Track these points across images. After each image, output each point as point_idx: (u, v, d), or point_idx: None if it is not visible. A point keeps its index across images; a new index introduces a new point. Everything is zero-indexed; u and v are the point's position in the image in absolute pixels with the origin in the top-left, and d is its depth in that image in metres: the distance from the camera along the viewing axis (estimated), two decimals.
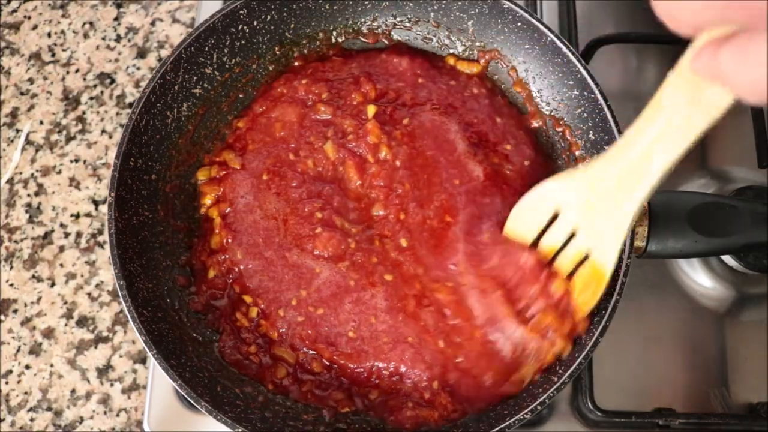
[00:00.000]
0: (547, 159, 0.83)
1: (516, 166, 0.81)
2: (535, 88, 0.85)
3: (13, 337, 0.88)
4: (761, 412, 0.80)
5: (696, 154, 0.92)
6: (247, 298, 0.76)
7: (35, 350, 0.88)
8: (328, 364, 0.74)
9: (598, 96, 0.77)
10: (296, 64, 0.87)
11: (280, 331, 0.75)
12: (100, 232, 0.93)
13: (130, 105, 0.98)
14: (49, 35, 1.03)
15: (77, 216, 0.93)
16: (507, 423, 0.68)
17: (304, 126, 0.82)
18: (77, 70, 1.01)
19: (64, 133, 0.97)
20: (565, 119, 0.83)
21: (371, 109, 0.82)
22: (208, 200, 0.81)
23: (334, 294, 0.75)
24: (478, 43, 0.87)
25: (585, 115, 0.80)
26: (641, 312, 0.85)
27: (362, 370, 0.73)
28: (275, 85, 0.85)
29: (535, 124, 0.85)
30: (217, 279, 0.77)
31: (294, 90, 0.84)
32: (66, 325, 0.89)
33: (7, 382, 0.87)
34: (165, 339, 0.72)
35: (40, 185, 0.95)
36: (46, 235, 0.93)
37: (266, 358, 0.75)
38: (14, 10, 1.04)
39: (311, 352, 0.74)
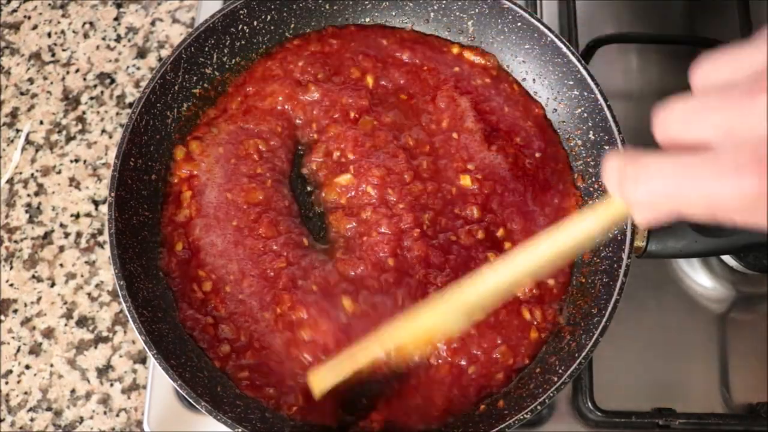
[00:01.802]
0: (557, 147, 0.83)
1: (530, 159, 0.81)
2: (535, 88, 0.85)
3: (13, 337, 0.88)
4: (761, 412, 0.80)
5: None
6: (201, 273, 0.77)
7: (35, 350, 0.88)
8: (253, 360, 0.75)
9: (598, 96, 0.77)
10: (295, 42, 0.87)
11: (228, 308, 0.75)
12: (100, 232, 0.93)
13: (130, 105, 0.98)
14: (49, 35, 1.03)
15: (77, 216, 0.93)
16: (507, 423, 0.68)
17: (290, 103, 0.82)
18: (77, 70, 1.01)
19: (64, 133, 0.97)
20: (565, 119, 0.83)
21: (370, 79, 0.82)
22: (183, 172, 0.80)
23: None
24: (477, 43, 0.87)
25: (585, 115, 0.80)
26: (641, 312, 0.85)
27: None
28: (270, 65, 0.85)
29: (540, 111, 0.85)
30: (184, 251, 0.78)
31: (289, 71, 0.84)
32: (66, 325, 0.89)
33: (7, 382, 0.87)
34: (165, 339, 0.72)
35: (40, 185, 0.95)
36: (46, 235, 0.93)
37: (217, 333, 0.75)
38: (14, 10, 1.04)
39: (246, 338, 0.75)
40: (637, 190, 0.40)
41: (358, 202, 0.79)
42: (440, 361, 0.74)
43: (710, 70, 0.40)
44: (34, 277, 0.91)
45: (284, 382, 0.74)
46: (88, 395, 0.86)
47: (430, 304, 0.63)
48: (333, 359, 0.69)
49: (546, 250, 0.53)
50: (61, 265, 0.91)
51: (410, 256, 0.76)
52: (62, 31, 1.03)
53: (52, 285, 0.90)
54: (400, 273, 0.75)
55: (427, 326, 0.63)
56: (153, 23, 1.03)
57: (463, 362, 0.74)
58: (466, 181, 0.79)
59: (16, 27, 1.03)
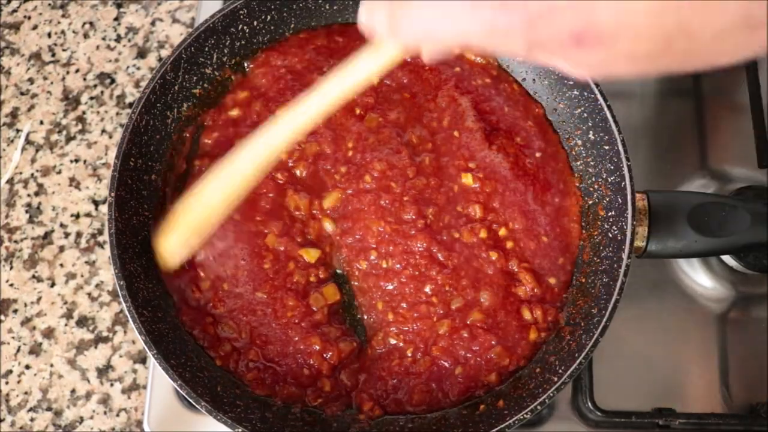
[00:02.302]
0: (557, 147, 0.83)
1: (531, 158, 0.82)
2: (534, 87, 0.85)
3: (13, 337, 0.88)
4: (761, 412, 0.80)
5: (696, 154, 0.92)
6: (201, 273, 0.77)
7: (35, 350, 0.88)
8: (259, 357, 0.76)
9: (598, 96, 0.77)
10: (302, 36, 0.87)
11: (226, 305, 0.76)
12: (100, 232, 0.93)
13: (130, 105, 0.98)
14: (49, 35, 1.03)
15: (77, 216, 0.93)
16: (507, 423, 0.68)
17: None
18: (77, 70, 1.01)
19: (64, 133, 0.97)
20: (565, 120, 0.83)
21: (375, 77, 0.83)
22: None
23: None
24: None
25: (585, 115, 0.80)
26: (641, 312, 0.85)
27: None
28: (270, 59, 0.85)
29: (540, 111, 0.85)
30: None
31: (292, 64, 0.84)
32: (66, 325, 0.89)
33: (7, 382, 0.87)
34: (165, 339, 0.72)
35: (40, 185, 0.95)
36: (46, 235, 0.93)
37: (217, 331, 0.76)
38: (14, 10, 1.04)
39: (247, 336, 0.76)
40: (414, 30, 0.47)
41: (357, 187, 0.79)
42: (420, 354, 0.75)
43: None
44: (34, 277, 0.91)
45: (300, 377, 0.75)
46: (88, 395, 0.86)
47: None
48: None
49: (326, 98, 0.59)
50: (61, 265, 0.91)
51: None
52: (62, 31, 1.03)
53: (52, 285, 0.90)
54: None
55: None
56: (153, 23, 1.03)
57: (447, 363, 0.74)
58: (468, 179, 0.80)
59: (16, 27, 1.03)
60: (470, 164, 0.80)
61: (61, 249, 0.92)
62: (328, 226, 0.79)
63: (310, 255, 0.77)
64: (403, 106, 0.83)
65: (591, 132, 0.80)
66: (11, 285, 0.91)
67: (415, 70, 0.85)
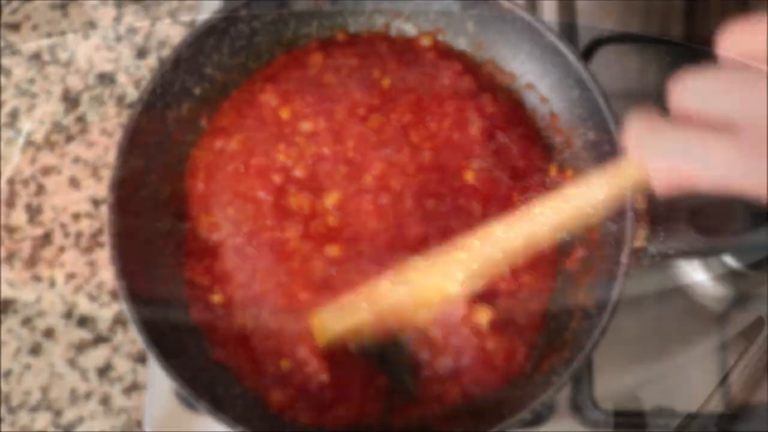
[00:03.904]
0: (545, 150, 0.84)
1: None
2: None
3: (13, 337, 0.88)
4: (761, 412, 0.80)
5: None
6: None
7: (35, 350, 0.88)
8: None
9: (598, 96, 0.77)
10: (313, 45, 0.86)
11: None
12: (101, 232, 0.93)
13: (130, 105, 0.98)
14: (49, 35, 1.03)
15: (77, 216, 0.94)
16: (507, 423, 0.68)
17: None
18: (77, 71, 1.01)
19: (64, 133, 0.97)
20: (563, 120, 0.83)
21: (387, 81, 0.82)
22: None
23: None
24: (477, 43, 0.87)
25: (585, 115, 0.80)
26: (641, 312, 0.85)
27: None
28: (284, 62, 0.85)
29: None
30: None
31: (307, 66, 0.84)
32: (66, 325, 0.89)
33: (7, 382, 0.87)
34: (165, 339, 0.72)
35: (40, 185, 0.95)
36: (46, 235, 0.93)
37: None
38: (14, 11, 1.04)
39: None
40: (658, 160, 0.41)
41: (357, 187, 0.79)
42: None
43: (741, 38, 0.38)
44: (34, 277, 0.91)
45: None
46: (88, 395, 0.86)
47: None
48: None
49: (555, 211, 0.55)
50: (61, 265, 0.91)
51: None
52: (62, 32, 1.03)
53: (52, 285, 0.90)
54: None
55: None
56: (153, 23, 1.03)
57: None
58: (468, 176, 0.79)
59: (16, 27, 1.03)
60: (470, 163, 0.80)
61: (61, 249, 0.92)
62: (333, 222, 0.79)
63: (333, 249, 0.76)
64: (408, 107, 0.83)
65: (591, 132, 0.80)
66: (11, 285, 0.91)
67: (428, 73, 0.85)
